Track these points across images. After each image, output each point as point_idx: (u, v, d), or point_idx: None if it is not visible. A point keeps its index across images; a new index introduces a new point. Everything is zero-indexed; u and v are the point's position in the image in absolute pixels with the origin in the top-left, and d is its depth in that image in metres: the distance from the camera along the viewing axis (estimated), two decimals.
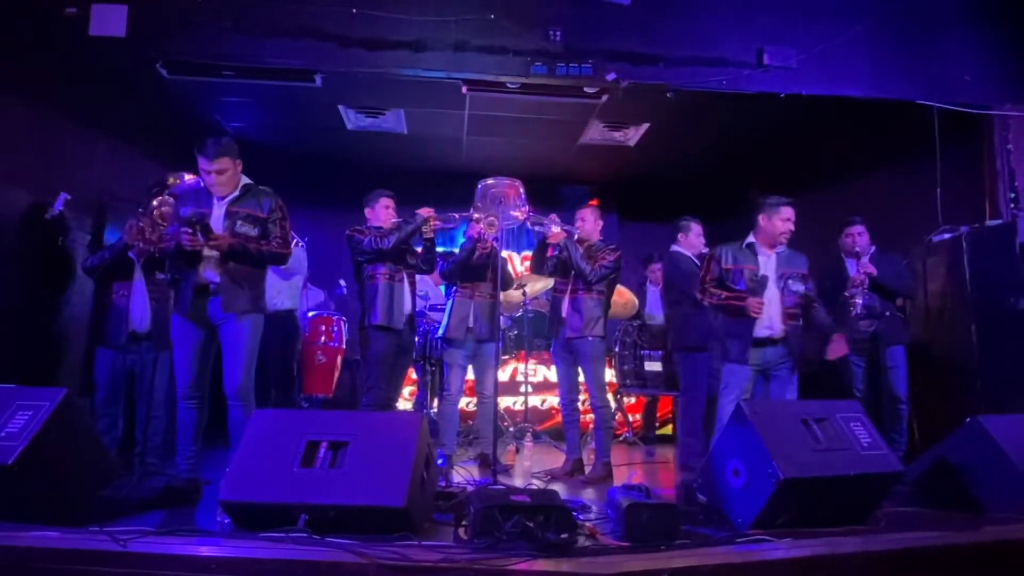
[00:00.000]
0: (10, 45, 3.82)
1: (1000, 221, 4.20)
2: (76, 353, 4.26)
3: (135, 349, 3.57)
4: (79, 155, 4.51)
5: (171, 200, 3.23)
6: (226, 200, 2.95)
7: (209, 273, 2.89)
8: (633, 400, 5.66)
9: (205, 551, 1.92)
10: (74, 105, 4.41)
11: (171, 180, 3.29)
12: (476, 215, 3.65)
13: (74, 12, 3.76)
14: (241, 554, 1.89)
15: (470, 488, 2.88)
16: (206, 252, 2.85)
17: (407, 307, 3.68)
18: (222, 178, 2.89)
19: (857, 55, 4.32)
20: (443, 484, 3.07)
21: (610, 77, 4.12)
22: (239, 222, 2.92)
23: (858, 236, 4.08)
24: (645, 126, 5.37)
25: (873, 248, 4.11)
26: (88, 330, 4.08)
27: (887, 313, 3.96)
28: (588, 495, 3.18)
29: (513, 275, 5.41)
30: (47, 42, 3.87)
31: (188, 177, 3.23)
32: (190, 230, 2.77)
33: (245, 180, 3.02)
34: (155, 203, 3.23)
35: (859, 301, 3.87)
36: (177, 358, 2.95)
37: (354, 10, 3.97)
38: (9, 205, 3.76)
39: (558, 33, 4.09)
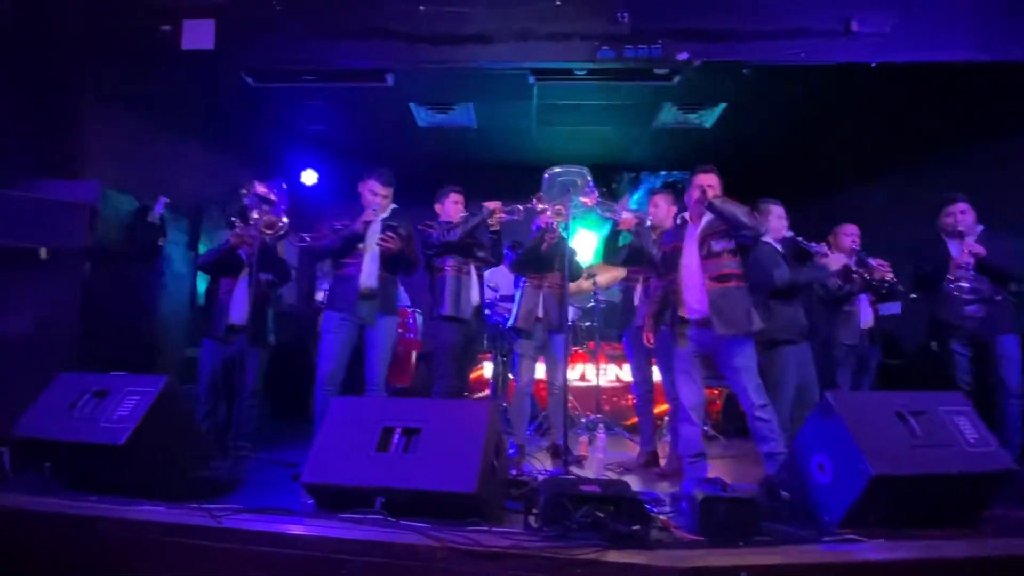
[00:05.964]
0: (115, 63, 4.20)
1: None
2: (174, 345, 4.63)
3: (234, 341, 3.82)
4: (176, 162, 4.88)
5: (269, 206, 3.61)
6: (380, 218, 3.51)
7: (371, 279, 3.41)
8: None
9: (291, 529, 2.04)
10: (171, 115, 4.78)
11: (243, 190, 3.63)
12: (541, 205, 3.63)
13: (168, 29, 4.07)
14: (323, 533, 2.00)
15: (541, 477, 2.89)
16: (367, 261, 3.40)
17: (474, 298, 3.74)
18: (385, 202, 3.53)
19: (960, 14, 3.93)
20: (515, 473, 3.09)
21: (682, 57, 3.96)
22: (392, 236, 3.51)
23: (961, 215, 3.72)
24: (722, 106, 5.15)
25: (980, 227, 3.74)
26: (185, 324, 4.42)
27: (997, 298, 3.60)
28: (663, 488, 3.11)
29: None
30: (146, 58, 4.20)
31: (261, 189, 3.53)
32: (392, 235, 3.41)
33: (393, 204, 3.60)
34: (255, 214, 3.60)
35: (965, 285, 3.55)
36: (325, 349, 3.37)
37: (421, 7, 4.04)
38: (117, 209, 4.13)
39: (625, 15, 3.97)
